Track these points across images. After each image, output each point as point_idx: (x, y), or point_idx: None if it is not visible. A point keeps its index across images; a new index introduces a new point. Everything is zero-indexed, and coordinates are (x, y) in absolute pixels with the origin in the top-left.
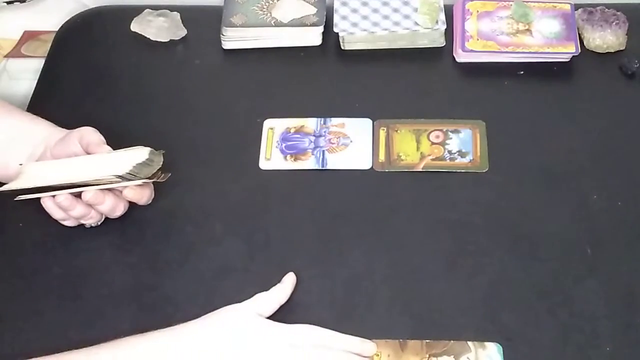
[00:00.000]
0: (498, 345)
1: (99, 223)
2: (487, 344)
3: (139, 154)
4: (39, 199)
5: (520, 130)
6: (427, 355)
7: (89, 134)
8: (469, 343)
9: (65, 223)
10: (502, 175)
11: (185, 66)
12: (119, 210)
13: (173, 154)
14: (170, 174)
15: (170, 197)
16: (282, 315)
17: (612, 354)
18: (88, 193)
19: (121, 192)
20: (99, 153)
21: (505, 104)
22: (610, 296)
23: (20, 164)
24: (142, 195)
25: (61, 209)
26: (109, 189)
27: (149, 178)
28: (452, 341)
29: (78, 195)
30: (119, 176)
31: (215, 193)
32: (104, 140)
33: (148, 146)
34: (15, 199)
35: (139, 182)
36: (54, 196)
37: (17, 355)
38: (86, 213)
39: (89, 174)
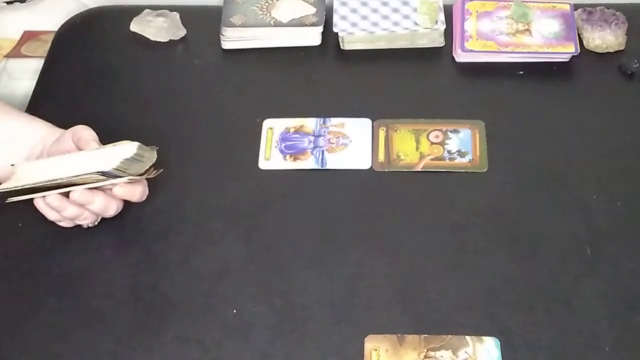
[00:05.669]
0: (496, 339)
1: (96, 223)
2: (484, 338)
3: (127, 149)
4: (32, 200)
5: (520, 130)
6: (425, 350)
7: (81, 131)
8: (467, 337)
9: (61, 224)
10: (502, 175)
11: (184, 66)
12: (112, 209)
13: (172, 153)
14: (162, 170)
15: (170, 197)
16: (283, 316)
17: (612, 354)
18: (75, 193)
19: (111, 190)
20: (87, 149)
21: (505, 104)
22: (610, 296)
23: (12, 165)
24: (133, 192)
25: (53, 209)
26: (100, 188)
27: (141, 175)
28: (450, 336)
29: (68, 195)
30: (105, 172)
31: (214, 193)
32: (95, 137)
33: (148, 146)
34: (7, 201)
35: (127, 179)
36: (44, 197)
37: (17, 355)
38: (79, 213)
39: (75, 171)
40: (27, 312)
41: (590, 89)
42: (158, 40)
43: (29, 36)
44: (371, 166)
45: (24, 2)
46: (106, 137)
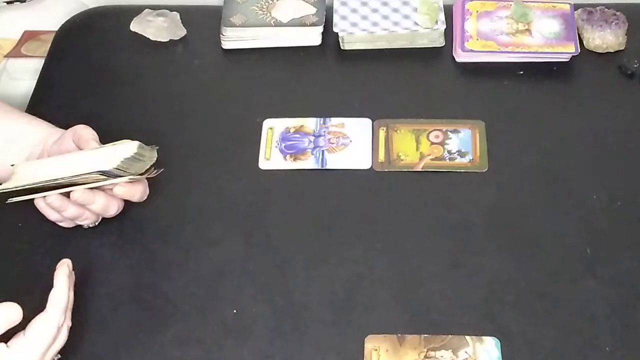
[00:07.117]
0: (496, 339)
1: (97, 223)
2: (485, 338)
3: (128, 148)
4: (32, 200)
5: (520, 130)
6: (425, 350)
7: (81, 130)
8: (467, 337)
9: (62, 224)
10: (502, 175)
11: (184, 66)
12: (112, 209)
13: (172, 153)
14: (162, 169)
15: (170, 197)
16: (283, 316)
17: (612, 354)
18: (76, 193)
19: (112, 190)
20: (87, 148)
21: (505, 104)
22: (610, 296)
23: (12, 165)
24: (133, 192)
25: (54, 209)
26: (100, 188)
27: (141, 174)
28: (450, 336)
29: (69, 195)
30: (106, 171)
31: (214, 193)
32: (95, 136)
33: (148, 145)
34: (7, 202)
35: (128, 178)
36: (45, 197)
37: None
38: (80, 213)
39: (75, 171)
40: (27, 313)
41: (590, 89)
42: (158, 40)
43: (29, 36)
44: (371, 166)
45: (24, 2)
46: (106, 137)
